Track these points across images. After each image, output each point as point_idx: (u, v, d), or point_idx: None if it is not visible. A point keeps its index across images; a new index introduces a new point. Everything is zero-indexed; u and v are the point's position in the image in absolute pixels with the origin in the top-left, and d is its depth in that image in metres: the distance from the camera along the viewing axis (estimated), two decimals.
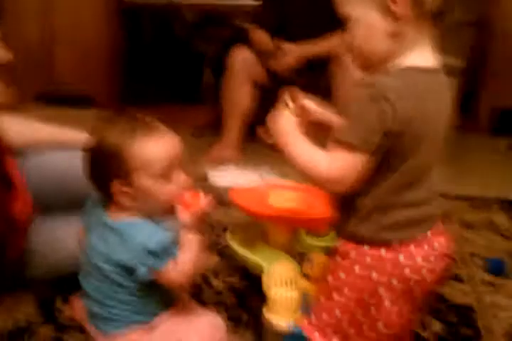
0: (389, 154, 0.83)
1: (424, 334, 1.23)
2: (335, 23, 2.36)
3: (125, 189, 0.99)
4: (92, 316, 1.07)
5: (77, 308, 1.21)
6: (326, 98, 2.44)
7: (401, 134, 0.81)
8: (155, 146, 1.00)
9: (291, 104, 0.97)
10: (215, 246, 1.63)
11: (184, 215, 1.02)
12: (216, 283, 1.43)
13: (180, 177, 1.03)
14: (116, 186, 0.99)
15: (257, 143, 2.87)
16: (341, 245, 0.91)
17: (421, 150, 0.84)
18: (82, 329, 1.18)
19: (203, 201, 1.03)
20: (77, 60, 3.22)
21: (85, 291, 1.07)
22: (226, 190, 1.50)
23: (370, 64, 0.88)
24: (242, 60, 2.50)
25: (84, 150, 1.03)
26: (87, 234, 1.08)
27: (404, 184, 0.86)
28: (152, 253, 0.97)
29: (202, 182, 2.26)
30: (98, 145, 1.00)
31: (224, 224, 1.81)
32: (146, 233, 0.99)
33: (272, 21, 2.52)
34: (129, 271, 0.99)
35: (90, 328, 1.09)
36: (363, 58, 0.89)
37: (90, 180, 1.04)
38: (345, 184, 0.83)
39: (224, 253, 1.59)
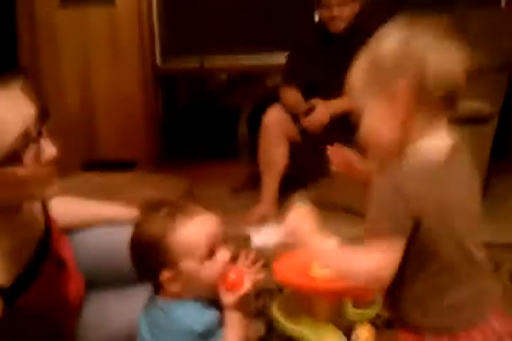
0: (424, 240, 0.83)
1: None
2: None
3: (173, 276, 1.01)
4: None
5: None
6: (361, 153, 2.49)
7: (423, 223, 0.82)
8: (195, 230, 1.02)
9: (303, 206, 1.01)
10: (260, 312, 1.62)
11: (227, 296, 1.03)
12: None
13: (225, 254, 1.05)
14: (164, 275, 1.01)
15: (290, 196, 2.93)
16: (401, 337, 0.90)
17: (455, 231, 0.84)
18: None
19: (247, 282, 1.05)
20: (117, 127, 3.35)
21: None
22: (270, 250, 1.50)
23: (383, 153, 0.90)
24: (276, 119, 2.56)
25: (129, 244, 1.06)
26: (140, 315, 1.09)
27: (448, 265, 0.85)
28: (197, 335, 0.98)
29: (244, 244, 2.26)
30: (140, 238, 1.03)
31: (268, 288, 1.79)
32: (193, 314, 1.00)
33: (302, 77, 2.58)
34: None
35: None
36: (374, 148, 0.92)
37: (138, 271, 1.07)
38: (391, 270, 0.83)
39: (269, 319, 1.57)
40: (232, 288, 1.04)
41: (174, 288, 1.02)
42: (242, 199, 2.94)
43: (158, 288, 1.07)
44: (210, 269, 1.03)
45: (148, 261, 1.02)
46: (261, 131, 2.60)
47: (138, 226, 1.05)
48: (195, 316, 1.00)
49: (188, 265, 1.01)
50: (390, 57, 0.84)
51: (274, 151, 2.57)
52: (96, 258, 1.38)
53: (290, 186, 2.99)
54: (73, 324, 1.31)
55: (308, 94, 2.49)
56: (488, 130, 2.76)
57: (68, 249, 1.34)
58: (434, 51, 0.83)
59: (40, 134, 1.01)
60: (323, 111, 2.40)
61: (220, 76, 3.80)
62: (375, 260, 0.82)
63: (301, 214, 0.98)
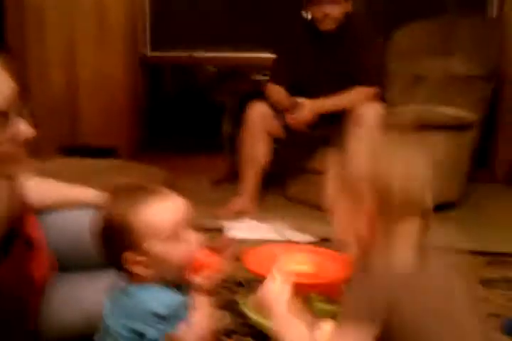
0: None
1: None
2: (350, 79, 2.45)
3: (138, 259, 1.00)
4: None
5: None
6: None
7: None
8: (160, 210, 1.00)
9: (278, 277, 1.00)
10: (229, 304, 1.62)
11: (195, 278, 1.03)
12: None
13: (191, 236, 1.04)
14: (129, 257, 1.00)
15: (273, 194, 2.94)
16: None
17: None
18: None
19: (217, 261, 1.04)
20: (100, 112, 3.32)
21: None
22: (241, 243, 1.51)
23: (355, 250, 0.91)
24: (259, 115, 2.56)
25: (94, 227, 1.04)
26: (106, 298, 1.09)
27: None
28: (161, 317, 0.97)
29: (217, 235, 2.27)
30: (105, 220, 1.01)
31: (238, 279, 1.80)
32: (157, 297, 0.99)
33: (288, 76, 2.59)
34: (139, 334, 0.99)
35: None
36: (346, 246, 0.92)
37: (103, 255, 1.05)
38: None
39: (237, 311, 1.57)
40: (200, 269, 1.03)
41: (139, 270, 1.01)
42: (222, 193, 2.94)
43: (123, 272, 1.05)
44: (177, 251, 1.01)
45: (113, 243, 1.01)
46: (244, 126, 2.60)
47: (103, 208, 1.04)
48: (159, 299, 0.99)
49: (153, 246, 0.99)
50: (356, 173, 0.87)
51: (257, 146, 2.57)
52: (66, 240, 1.37)
53: (270, 182, 3.00)
54: (38, 302, 1.30)
55: (296, 91, 2.49)
56: (469, 138, 2.79)
57: (38, 229, 1.33)
58: (401, 168, 0.85)
59: (17, 112, 1.00)
60: (309, 109, 2.40)
61: (207, 70, 3.79)
62: None
63: (279, 287, 0.99)
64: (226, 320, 1.54)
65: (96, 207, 1.15)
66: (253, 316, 1.18)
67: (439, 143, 2.63)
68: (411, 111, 2.53)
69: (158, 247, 1.00)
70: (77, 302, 1.32)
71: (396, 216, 0.85)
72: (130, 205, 1.00)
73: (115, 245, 1.00)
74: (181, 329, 0.99)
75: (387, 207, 0.84)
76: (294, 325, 0.92)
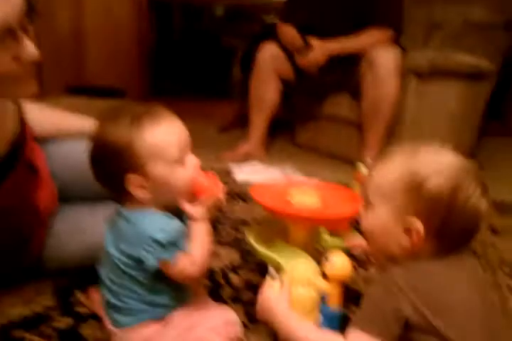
0: None
1: None
2: (364, 20, 2.35)
3: (141, 181, 0.97)
4: (108, 307, 1.07)
5: (95, 300, 1.21)
6: (354, 98, 2.44)
7: (422, 324, 0.78)
8: (165, 133, 0.97)
9: (277, 277, 0.97)
10: (236, 243, 1.62)
11: (196, 205, 1.01)
12: (235, 279, 1.41)
13: (193, 161, 1.02)
14: (131, 180, 0.97)
15: (282, 140, 2.91)
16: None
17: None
18: (99, 320, 1.17)
19: (218, 188, 1.02)
20: (107, 54, 3.25)
21: (101, 281, 1.07)
22: (248, 185, 1.49)
23: (382, 255, 0.89)
24: (270, 56, 2.47)
25: (91, 150, 1.00)
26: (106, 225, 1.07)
27: None
28: (159, 244, 0.96)
29: (225, 178, 2.26)
30: (105, 142, 0.96)
31: (245, 220, 1.80)
32: (156, 223, 0.97)
33: (300, 17, 2.48)
34: (138, 261, 0.98)
35: (106, 320, 1.08)
36: (375, 247, 0.90)
37: (100, 179, 1.01)
38: None
39: (244, 249, 1.57)
40: (201, 192, 1.01)
41: (140, 194, 0.98)
42: (230, 138, 2.91)
43: (123, 198, 1.03)
44: (180, 175, 0.99)
45: (114, 166, 0.97)
46: (254, 67, 2.53)
47: (101, 131, 0.97)
48: (158, 225, 0.97)
49: (156, 169, 0.97)
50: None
51: (266, 88, 2.51)
52: (68, 170, 1.35)
53: (279, 128, 2.96)
54: (43, 233, 1.29)
55: (308, 32, 2.39)
56: (485, 87, 2.71)
57: (41, 158, 1.30)
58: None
59: (24, 31, 0.95)
60: (320, 50, 2.31)
61: (216, 11, 3.68)
62: None
63: (275, 290, 0.97)
64: (235, 259, 1.54)
65: None
66: (258, 246, 1.16)
67: (452, 92, 2.56)
68: (425, 56, 2.44)
69: (161, 170, 0.97)
70: (78, 233, 1.31)
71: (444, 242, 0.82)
72: (134, 126, 0.96)
73: (117, 167, 0.97)
74: (179, 258, 0.98)
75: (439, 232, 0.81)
76: (301, 323, 0.90)
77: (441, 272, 0.82)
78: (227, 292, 1.35)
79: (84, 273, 1.37)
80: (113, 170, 0.97)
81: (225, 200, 1.05)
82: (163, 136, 0.97)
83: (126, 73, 3.27)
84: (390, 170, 0.84)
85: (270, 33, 2.59)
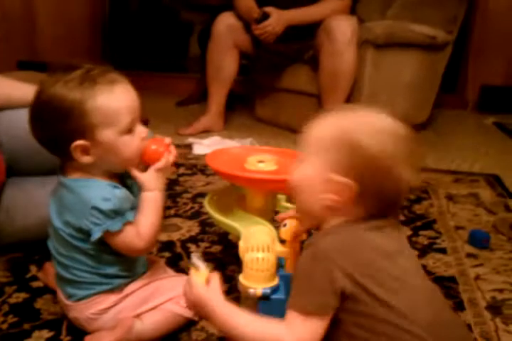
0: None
1: None
2: None
3: (87, 146, 0.92)
4: (61, 281, 1.04)
5: (50, 274, 1.18)
6: (312, 69, 2.43)
7: (357, 292, 0.74)
8: (119, 98, 0.92)
9: (202, 266, 0.88)
10: (195, 215, 1.61)
11: (144, 175, 0.99)
12: (195, 251, 1.41)
13: (142, 130, 0.98)
14: (77, 144, 0.92)
15: (242, 114, 2.90)
16: None
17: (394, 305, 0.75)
18: (54, 294, 1.15)
19: (168, 154, 1.00)
20: (60, 28, 3.15)
21: (52, 255, 1.04)
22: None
23: (308, 219, 0.86)
24: (227, 26, 2.44)
25: (33, 109, 0.94)
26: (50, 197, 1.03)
27: None
28: (103, 213, 0.92)
29: (185, 152, 2.24)
30: (52, 101, 0.90)
31: (204, 193, 1.78)
32: (99, 192, 0.94)
33: None
34: (83, 232, 0.95)
35: (60, 294, 1.06)
36: (300, 208, 0.86)
37: (43, 140, 0.96)
38: None
39: (204, 221, 1.57)
40: (153, 158, 0.99)
41: (86, 159, 0.94)
42: (189, 113, 2.87)
43: (65, 166, 0.99)
44: (128, 142, 0.95)
45: (60, 128, 0.91)
46: (210, 38, 2.48)
47: (49, 88, 0.90)
48: (102, 194, 0.93)
49: (106, 135, 0.92)
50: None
51: (224, 59, 2.47)
52: (18, 141, 1.29)
53: (238, 102, 2.94)
54: None
55: (265, 2, 2.36)
56: (440, 58, 2.74)
57: None
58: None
59: None
60: (277, 18, 2.28)
61: None
62: (298, 336, 0.75)
63: (203, 281, 0.88)
64: (193, 229, 1.53)
65: None
66: (215, 214, 1.15)
67: (408, 62, 2.58)
68: (382, 26, 2.44)
69: (110, 136, 0.93)
70: (30, 207, 1.27)
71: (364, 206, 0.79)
72: (87, 86, 0.90)
73: (63, 129, 0.91)
74: (124, 228, 0.95)
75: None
76: (240, 316, 0.82)
77: (374, 238, 0.79)
78: (186, 263, 1.34)
79: (38, 247, 1.34)
80: (58, 133, 0.92)
81: (175, 165, 1.03)
82: (117, 101, 0.92)
83: (79, 47, 3.17)
84: (323, 127, 0.82)
85: (228, 5, 2.54)
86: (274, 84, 2.68)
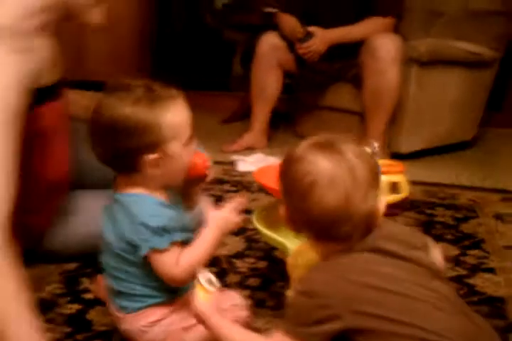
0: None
1: None
2: (365, 9, 2.34)
3: (158, 159, 0.96)
4: (113, 293, 1.07)
5: (101, 286, 1.21)
6: (356, 87, 2.44)
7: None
8: (182, 112, 0.98)
9: (207, 286, 0.92)
10: (241, 231, 1.62)
11: (215, 212, 1.03)
12: (241, 266, 1.42)
13: (195, 143, 1.02)
14: (152, 158, 0.96)
15: (284, 131, 2.91)
16: None
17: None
18: (105, 306, 1.18)
19: (207, 160, 1.04)
20: (108, 48, 3.23)
21: (104, 268, 1.07)
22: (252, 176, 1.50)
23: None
24: (270, 46, 2.47)
25: (97, 128, 0.97)
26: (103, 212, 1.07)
27: None
28: (150, 229, 0.95)
29: (230, 168, 2.26)
30: (124, 121, 0.93)
31: (250, 209, 1.79)
32: (148, 208, 0.97)
33: (300, 7, 2.47)
34: (132, 246, 0.98)
35: (112, 307, 1.08)
36: None
37: (106, 157, 0.99)
38: None
39: (249, 237, 1.58)
40: (198, 171, 1.03)
41: (155, 172, 0.97)
42: (232, 131, 2.91)
43: (120, 181, 1.02)
44: (188, 154, 1.01)
45: (131, 145, 0.94)
46: (254, 58, 2.52)
47: (114, 108, 0.94)
48: (150, 210, 0.96)
49: (174, 147, 0.97)
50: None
51: (267, 79, 2.50)
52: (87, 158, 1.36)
53: (281, 120, 2.96)
54: (50, 209, 1.32)
55: (308, 21, 2.39)
56: (487, 76, 2.70)
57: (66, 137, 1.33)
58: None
59: None
60: (321, 37, 2.30)
61: (215, 4, 3.67)
62: None
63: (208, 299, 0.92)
64: (240, 245, 1.54)
65: None
66: (264, 230, 1.16)
67: (453, 80, 2.56)
68: (426, 44, 2.43)
69: (178, 149, 0.97)
70: (87, 219, 1.31)
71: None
72: (156, 106, 0.95)
73: (135, 145, 0.94)
74: (171, 248, 0.97)
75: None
76: (232, 331, 0.87)
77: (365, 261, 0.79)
78: (232, 278, 1.35)
79: (90, 260, 1.38)
80: (128, 149, 0.95)
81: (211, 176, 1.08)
82: (181, 115, 0.97)
83: (126, 66, 3.26)
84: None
85: (270, 24, 2.59)
86: (317, 102, 2.70)
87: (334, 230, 0.79)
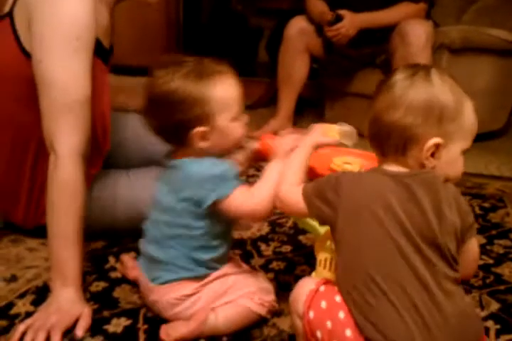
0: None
1: (482, 313, 1.18)
2: None
3: (206, 131, 1.00)
4: (149, 261, 1.08)
5: (128, 265, 1.23)
6: (385, 73, 2.40)
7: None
8: (232, 87, 1.01)
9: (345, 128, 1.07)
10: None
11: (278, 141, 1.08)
12: (266, 250, 1.42)
13: (245, 118, 1.06)
14: (199, 130, 0.99)
15: (311, 118, 2.89)
16: None
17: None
18: (131, 284, 1.21)
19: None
20: (135, 34, 3.25)
21: (148, 238, 1.09)
22: None
23: None
24: (298, 30, 2.44)
25: (152, 101, 1.01)
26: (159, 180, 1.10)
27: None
28: (215, 177, 0.99)
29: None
30: (175, 94, 0.98)
31: None
32: (208, 164, 1.01)
33: None
34: (197, 203, 1.01)
35: (142, 276, 1.10)
36: None
37: (160, 129, 1.04)
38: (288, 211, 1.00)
39: (274, 222, 1.58)
40: (268, 149, 1.09)
41: (203, 144, 1.01)
42: (257, 117, 2.90)
43: (176, 152, 1.06)
44: (238, 128, 1.04)
45: (182, 117, 0.99)
46: (282, 43, 2.50)
47: (166, 82, 0.98)
48: (211, 163, 1.01)
49: (222, 120, 1.00)
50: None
51: (294, 63, 2.47)
52: (130, 140, 1.51)
53: (308, 106, 2.94)
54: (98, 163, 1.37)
55: (338, 5, 2.34)
56: None
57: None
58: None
59: None
60: (351, 21, 2.26)
61: None
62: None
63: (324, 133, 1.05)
64: (263, 228, 1.54)
65: None
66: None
67: (484, 67, 2.51)
68: (458, 31, 2.39)
69: (226, 122, 1.01)
70: (117, 198, 1.36)
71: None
72: (205, 80, 0.98)
73: (187, 120, 0.99)
74: (239, 190, 1.01)
75: None
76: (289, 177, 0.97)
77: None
78: (257, 261, 1.35)
79: (117, 239, 1.40)
80: (179, 121, 0.99)
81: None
82: (231, 90, 1.01)
83: (153, 53, 3.26)
84: None
85: (298, 10, 2.56)
86: (345, 89, 2.67)
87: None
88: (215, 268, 1.08)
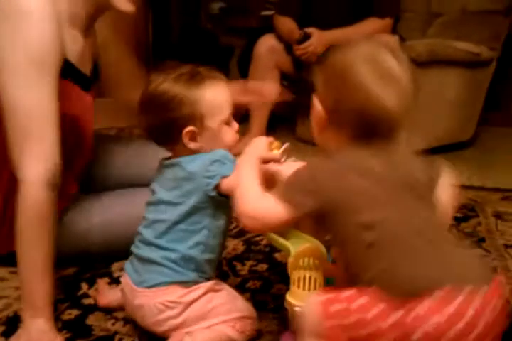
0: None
1: None
2: (362, 10, 2.34)
3: (195, 132, 1.04)
4: (139, 263, 1.08)
5: (102, 291, 1.21)
6: None
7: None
8: (222, 92, 1.06)
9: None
10: (241, 234, 1.61)
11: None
12: (242, 269, 1.41)
13: (235, 124, 1.10)
14: (189, 130, 1.04)
15: (283, 135, 2.90)
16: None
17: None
18: (105, 312, 1.18)
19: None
20: None
21: (143, 238, 1.09)
22: None
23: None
24: (268, 48, 2.47)
25: (145, 102, 1.06)
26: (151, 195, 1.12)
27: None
28: (216, 161, 1.02)
29: None
30: (165, 95, 1.03)
31: None
32: (206, 155, 1.04)
33: (296, 8, 2.47)
34: (204, 189, 1.02)
35: (127, 280, 1.09)
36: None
37: (152, 129, 1.08)
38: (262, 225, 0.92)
39: (248, 240, 1.57)
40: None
41: (193, 145, 1.05)
42: None
43: (171, 150, 1.11)
44: (228, 132, 1.08)
45: (173, 117, 1.03)
46: (252, 61, 2.52)
47: (159, 84, 1.04)
48: (209, 154, 1.04)
49: (211, 123, 1.05)
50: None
51: (264, 79, 2.49)
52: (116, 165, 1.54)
53: (279, 123, 2.95)
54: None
55: (305, 23, 2.38)
56: (485, 75, 2.70)
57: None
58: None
59: None
60: (319, 39, 2.30)
61: (211, 9, 3.66)
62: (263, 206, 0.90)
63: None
64: (238, 248, 1.53)
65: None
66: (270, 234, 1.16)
67: (451, 80, 2.55)
68: (424, 44, 2.43)
69: (215, 125, 1.05)
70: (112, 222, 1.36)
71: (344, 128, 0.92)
72: (196, 83, 1.04)
73: (177, 119, 1.03)
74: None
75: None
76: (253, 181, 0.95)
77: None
78: (233, 280, 1.34)
79: (89, 265, 1.37)
80: (170, 121, 1.04)
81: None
82: (221, 94, 1.06)
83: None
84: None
85: (268, 28, 2.58)
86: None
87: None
88: (206, 276, 1.08)
